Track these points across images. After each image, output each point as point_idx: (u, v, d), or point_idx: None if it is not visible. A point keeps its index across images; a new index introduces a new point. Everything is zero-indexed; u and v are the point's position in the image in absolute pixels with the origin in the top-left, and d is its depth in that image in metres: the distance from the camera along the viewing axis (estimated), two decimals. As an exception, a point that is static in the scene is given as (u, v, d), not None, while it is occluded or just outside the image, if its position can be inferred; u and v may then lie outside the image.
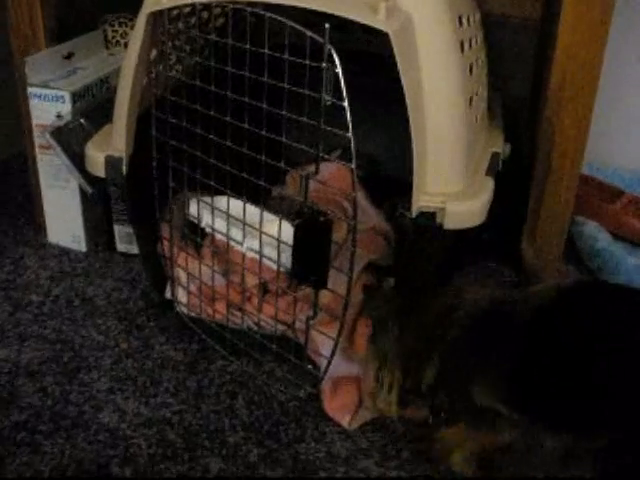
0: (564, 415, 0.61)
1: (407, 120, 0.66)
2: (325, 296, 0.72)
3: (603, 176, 1.15)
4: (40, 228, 1.06)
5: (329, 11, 0.63)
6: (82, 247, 1.03)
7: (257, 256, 0.74)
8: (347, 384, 0.77)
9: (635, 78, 1.19)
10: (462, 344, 0.66)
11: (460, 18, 0.74)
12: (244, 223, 0.73)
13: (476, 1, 0.91)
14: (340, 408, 0.76)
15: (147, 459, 0.70)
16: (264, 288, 0.83)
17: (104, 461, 0.70)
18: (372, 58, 0.95)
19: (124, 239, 1.01)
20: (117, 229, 1.01)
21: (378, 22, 0.63)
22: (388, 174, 1.10)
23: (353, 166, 0.61)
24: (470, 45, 0.77)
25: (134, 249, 1.00)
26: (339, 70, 0.60)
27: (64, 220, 1.02)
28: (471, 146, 0.75)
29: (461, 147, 0.72)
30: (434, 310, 0.70)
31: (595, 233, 1.03)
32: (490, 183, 0.76)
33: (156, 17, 0.74)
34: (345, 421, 0.75)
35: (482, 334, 0.66)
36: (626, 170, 1.18)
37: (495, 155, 0.83)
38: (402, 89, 0.65)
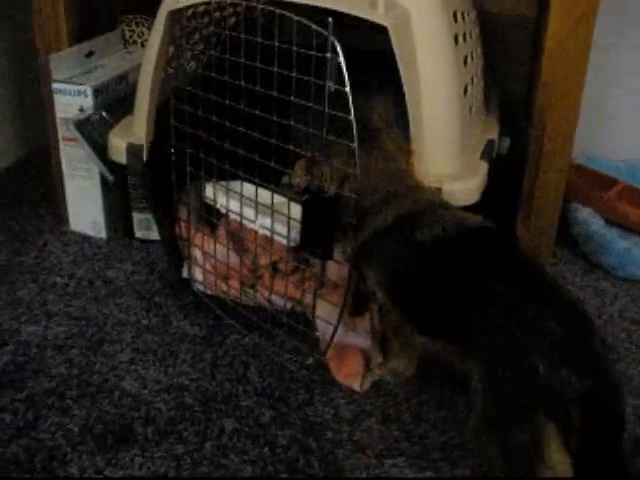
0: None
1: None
2: (331, 269, 0.78)
3: (598, 166, 1.20)
4: (62, 217, 1.11)
5: (331, 7, 0.69)
6: (102, 234, 1.09)
7: (269, 233, 0.80)
8: (352, 353, 0.82)
9: (629, 69, 1.24)
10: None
11: (455, 14, 0.80)
12: (256, 202, 0.79)
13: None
14: (349, 375, 0.81)
15: (167, 420, 0.76)
16: (274, 268, 0.89)
17: (127, 422, 0.76)
18: (380, 55, 1.01)
19: (142, 226, 1.07)
20: (136, 216, 1.06)
21: (377, 16, 0.69)
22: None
23: (355, 145, 0.67)
24: (464, 39, 0.83)
25: (152, 235, 1.06)
26: (342, 59, 0.65)
27: (85, 209, 1.08)
28: (466, 132, 0.81)
29: (456, 132, 0.78)
30: None
31: (589, 218, 1.08)
32: (484, 166, 0.82)
33: (174, 15, 0.80)
34: (356, 385, 0.80)
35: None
36: (620, 160, 1.23)
37: (490, 142, 0.89)
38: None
